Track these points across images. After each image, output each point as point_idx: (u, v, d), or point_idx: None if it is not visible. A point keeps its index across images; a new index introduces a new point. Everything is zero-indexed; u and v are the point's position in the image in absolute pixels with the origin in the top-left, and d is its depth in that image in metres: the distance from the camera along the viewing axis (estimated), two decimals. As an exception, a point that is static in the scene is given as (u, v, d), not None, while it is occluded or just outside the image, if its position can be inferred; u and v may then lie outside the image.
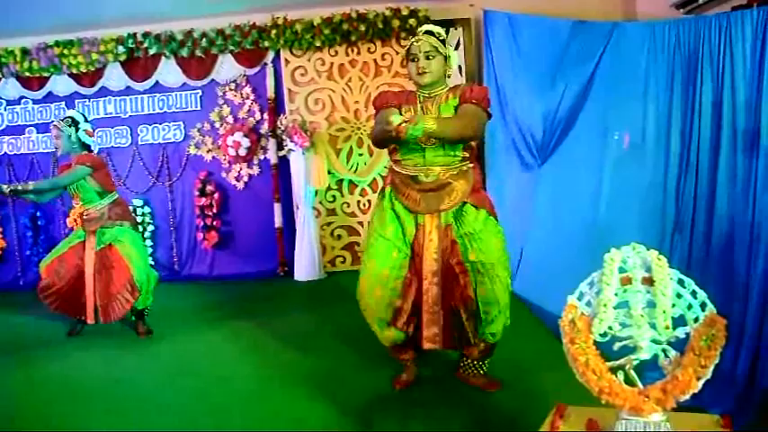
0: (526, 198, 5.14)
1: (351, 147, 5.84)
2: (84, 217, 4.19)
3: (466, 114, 2.73)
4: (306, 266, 5.63)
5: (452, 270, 2.76)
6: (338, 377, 3.23)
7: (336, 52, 5.79)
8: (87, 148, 4.24)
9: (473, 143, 2.85)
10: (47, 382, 3.49)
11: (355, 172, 5.78)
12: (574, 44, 4.93)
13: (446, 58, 2.80)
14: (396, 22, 5.63)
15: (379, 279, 2.77)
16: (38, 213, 6.24)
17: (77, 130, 4.17)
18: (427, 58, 2.75)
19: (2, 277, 6.44)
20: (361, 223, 5.88)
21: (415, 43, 2.76)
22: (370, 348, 3.38)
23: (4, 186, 3.96)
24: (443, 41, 2.82)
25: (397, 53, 5.77)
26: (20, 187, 4.02)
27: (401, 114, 2.74)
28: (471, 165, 2.87)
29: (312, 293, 5.24)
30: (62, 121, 4.20)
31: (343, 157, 5.82)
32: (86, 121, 4.29)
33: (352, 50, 5.80)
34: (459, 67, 5.85)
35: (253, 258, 5.95)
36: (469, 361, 2.96)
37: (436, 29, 2.84)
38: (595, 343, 1.80)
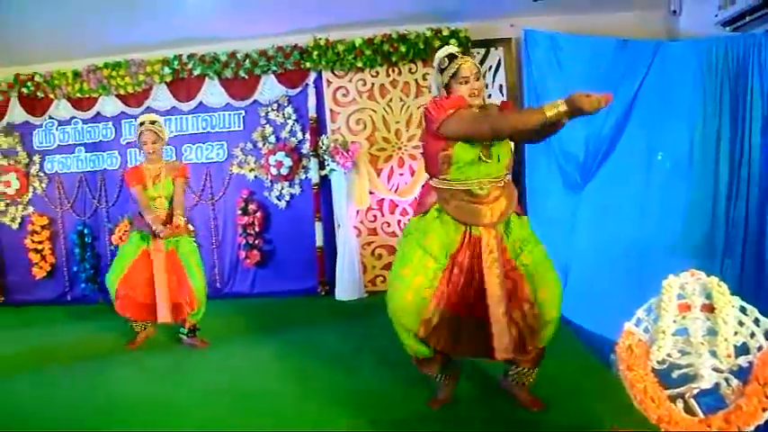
0: (569, 218, 5.12)
1: (392, 166, 5.90)
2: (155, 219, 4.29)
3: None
4: (346, 286, 5.69)
5: (510, 278, 2.80)
6: (379, 397, 3.25)
7: (378, 73, 5.87)
8: None
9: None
10: (94, 394, 3.59)
11: (396, 192, 5.83)
12: (617, 63, 4.95)
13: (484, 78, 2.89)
14: (436, 43, 5.68)
15: (411, 286, 2.78)
16: (85, 230, 6.42)
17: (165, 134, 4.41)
18: (477, 79, 2.83)
19: (50, 292, 6.66)
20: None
21: (463, 65, 2.79)
22: (411, 369, 3.41)
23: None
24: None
25: (439, 73, 5.80)
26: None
27: None
28: (510, 177, 2.95)
29: (353, 313, 5.29)
30: (154, 124, 4.30)
31: (384, 177, 5.86)
32: None
33: (393, 71, 5.88)
34: (500, 87, 5.90)
35: (294, 277, 6.04)
36: (520, 369, 2.97)
37: (459, 50, 2.96)
38: (653, 370, 1.80)
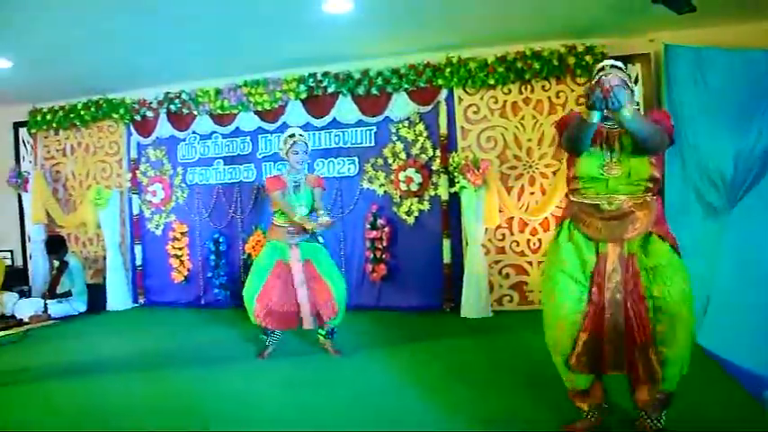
0: (710, 241, 4.96)
1: (522, 185, 6.01)
2: (291, 229, 4.57)
3: (653, 125, 2.81)
4: (473, 304, 5.82)
5: (634, 304, 2.76)
6: (510, 415, 3.30)
7: (510, 90, 6.00)
8: None
9: (658, 174, 2.87)
10: (226, 396, 3.84)
11: (526, 210, 5.89)
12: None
13: (632, 92, 2.85)
14: (571, 60, 5.73)
15: (560, 313, 2.83)
16: (221, 239, 6.91)
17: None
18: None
19: (186, 296, 7.27)
20: (530, 263, 6.00)
21: (604, 76, 2.79)
22: (541, 391, 3.52)
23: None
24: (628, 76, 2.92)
25: (572, 91, 5.86)
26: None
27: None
28: (655, 197, 2.93)
29: (479, 331, 5.39)
30: (302, 136, 4.62)
31: (514, 195, 5.94)
32: None
33: (526, 88, 5.98)
34: (637, 104, 5.80)
35: (419, 292, 6.25)
36: (645, 413, 2.86)
37: (618, 63, 2.94)
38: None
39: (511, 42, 5.90)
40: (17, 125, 8.17)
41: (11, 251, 8.34)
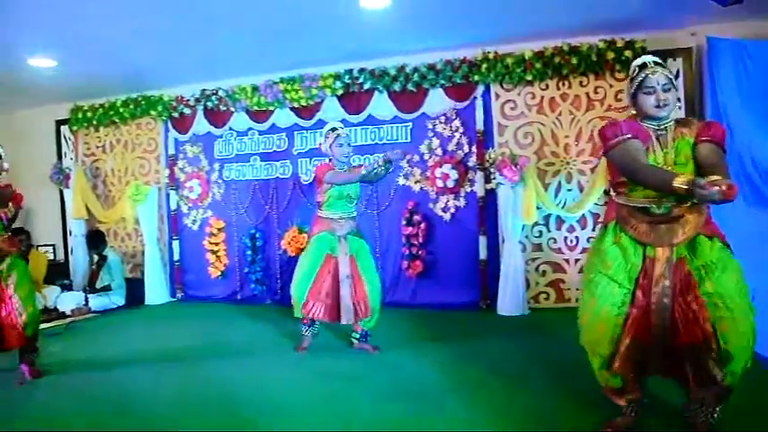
0: (756, 237, 4.88)
1: (559, 182, 6.00)
2: (341, 221, 4.64)
3: (722, 163, 2.74)
4: (509, 301, 5.85)
5: (689, 305, 2.72)
6: (549, 414, 3.30)
7: (547, 86, 5.99)
8: None
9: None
10: (262, 389, 3.93)
11: (563, 207, 5.87)
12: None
13: (676, 89, 2.85)
14: (610, 55, 5.69)
15: (600, 316, 2.83)
16: (257, 235, 7.02)
17: None
18: (666, 90, 2.79)
19: (223, 291, 7.42)
20: (567, 260, 5.99)
21: (650, 75, 2.81)
22: (579, 388, 3.51)
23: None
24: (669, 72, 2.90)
25: (611, 86, 5.83)
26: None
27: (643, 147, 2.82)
28: None
29: (516, 329, 5.42)
30: (344, 129, 4.70)
31: (552, 192, 5.94)
32: None
33: (564, 84, 5.96)
34: (678, 100, 5.74)
35: (455, 289, 6.29)
36: (702, 408, 2.81)
37: (658, 60, 2.91)
38: None
39: (548, 38, 5.88)
40: (59, 123, 8.42)
41: (53, 246, 8.59)
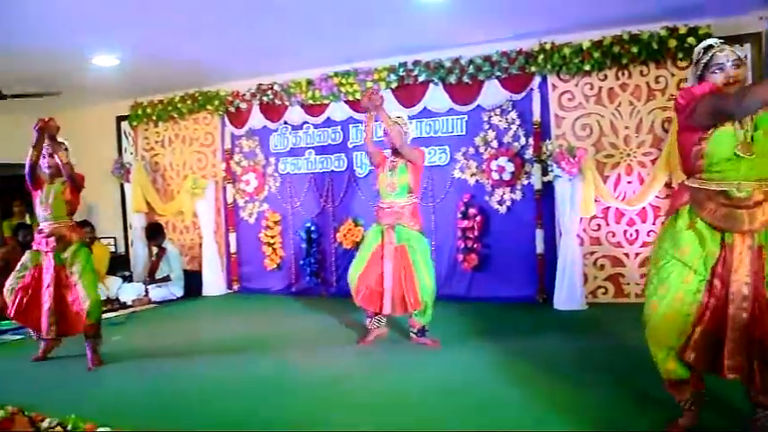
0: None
1: (619, 174, 5.96)
2: (387, 210, 4.72)
3: None
4: (566, 295, 5.85)
5: (763, 298, 2.63)
6: (606, 412, 3.27)
7: (606, 76, 5.95)
8: None
9: None
10: (321, 384, 3.98)
11: (623, 200, 5.82)
12: None
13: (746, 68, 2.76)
14: (672, 42, 5.61)
15: (672, 304, 2.73)
16: (312, 228, 7.18)
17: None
18: (736, 66, 2.69)
19: (278, 283, 7.65)
20: (626, 254, 5.96)
21: (718, 53, 2.73)
22: (639, 386, 3.50)
23: None
24: None
25: (673, 75, 5.76)
26: None
27: None
28: None
29: (573, 323, 5.42)
30: (400, 118, 4.80)
31: (610, 185, 5.90)
32: None
33: (623, 74, 5.91)
34: (746, 86, 5.62)
35: (511, 283, 6.32)
36: (764, 410, 2.72)
37: (718, 41, 2.83)
38: None
39: (607, 26, 5.82)
40: (119, 119, 8.76)
41: (114, 238, 8.93)
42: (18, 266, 4.70)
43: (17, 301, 4.60)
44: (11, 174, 9.56)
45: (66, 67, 6.66)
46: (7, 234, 8.40)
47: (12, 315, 4.67)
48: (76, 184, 4.62)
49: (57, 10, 4.93)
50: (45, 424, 2.86)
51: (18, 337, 5.69)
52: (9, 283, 4.67)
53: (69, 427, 2.78)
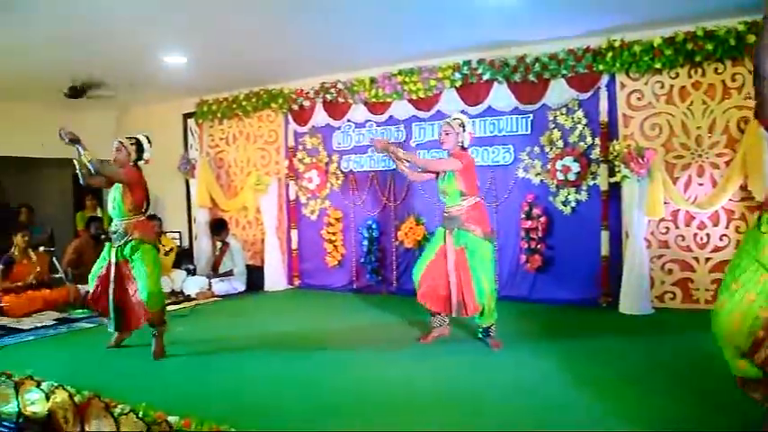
0: None
1: (689, 175, 5.84)
2: (445, 214, 4.84)
3: None
4: (632, 299, 5.80)
5: None
6: (675, 419, 3.24)
7: (678, 74, 5.85)
8: (465, 150, 4.86)
9: None
10: (383, 383, 4.07)
11: (694, 203, 5.72)
12: None
13: None
14: (751, 38, 5.45)
15: (741, 303, 2.69)
16: (373, 225, 7.29)
17: (464, 130, 4.81)
18: None
19: (339, 280, 7.81)
20: (696, 259, 5.84)
21: None
22: (707, 392, 3.48)
23: None
24: None
25: (751, 72, 5.53)
26: None
27: None
28: None
29: (639, 328, 5.37)
30: (454, 120, 4.83)
31: (681, 187, 5.81)
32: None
33: (696, 71, 5.80)
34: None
35: (575, 285, 6.29)
36: None
37: None
38: None
39: (680, 22, 5.69)
40: (186, 116, 9.08)
41: (179, 232, 9.26)
42: (100, 256, 5.03)
43: (95, 289, 4.95)
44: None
45: (139, 66, 6.97)
46: (80, 227, 8.81)
47: (90, 301, 5.04)
48: (125, 181, 4.77)
49: (133, 11, 5.18)
50: (118, 410, 3.01)
51: (91, 325, 6.07)
52: (93, 270, 5.03)
53: (141, 414, 2.92)
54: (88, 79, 7.21)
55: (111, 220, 4.99)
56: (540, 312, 6.00)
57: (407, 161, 5.00)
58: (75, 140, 4.48)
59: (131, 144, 4.85)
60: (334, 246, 7.71)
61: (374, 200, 7.48)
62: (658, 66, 5.81)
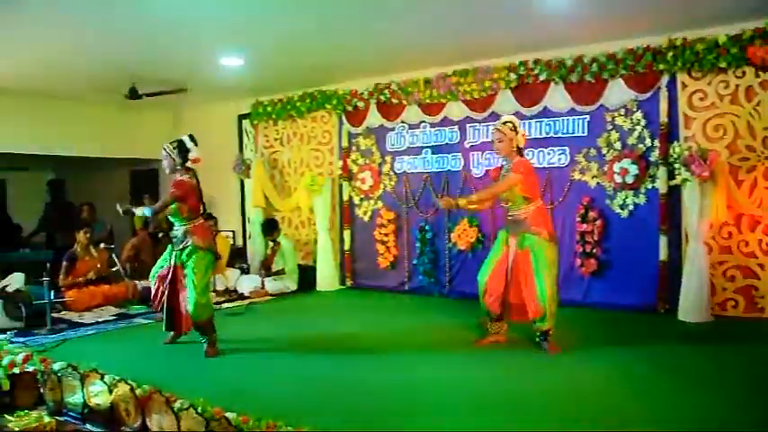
0: None
1: (755, 178, 5.68)
2: (510, 218, 4.86)
3: None
4: (691, 306, 5.69)
5: None
6: (739, 427, 3.22)
7: (744, 73, 5.72)
8: (521, 152, 4.84)
9: None
10: (436, 384, 4.11)
11: (759, 207, 5.59)
12: None
13: None
14: (822, 36, 5.26)
15: None
16: (427, 227, 7.35)
17: (516, 133, 4.75)
18: None
19: (391, 281, 7.91)
20: (761, 265, 5.70)
21: None
22: None
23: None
24: None
25: (821, 72, 5.39)
26: None
27: None
28: None
29: (698, 336, 5.27)
30: (504, 125, 4.80)
31: (745, 190, 5.67)
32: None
33: (764, 71, 5.62)
34: None
35: (631, 290, 6.20)
36: None
37: None
38: None
39: (746, 19, 5.54)
40: (241, 117, 9.32)
41: (233, 232, 9.47)
42: (162, 256, 5.27)
43: (156, 288, 5.18)
44: (144, 168, 10.42)
45: (197, 68, 7.20)
46: (138, 225, 9.11)
47: (152, 299, 5.28)
48: (176, 200, 4.92)
49: (194, 14, 5.37)
50: (177, 404, 3.12)
51: (148, 321, 6.32)
52: (153, 269, 5.29)
53: (200, 410, 3.01)
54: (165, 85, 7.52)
55: (167, 218, 5.20)
56: (595, 317, 5.96)
57: (475, 203, 5.03)
58: (127, 212, 5.10)
59: (174, 148, 5.02)
60: (387, 247, 7.79)
61: (427, 201, 7.52)
62: (723, 65, 5.67)
